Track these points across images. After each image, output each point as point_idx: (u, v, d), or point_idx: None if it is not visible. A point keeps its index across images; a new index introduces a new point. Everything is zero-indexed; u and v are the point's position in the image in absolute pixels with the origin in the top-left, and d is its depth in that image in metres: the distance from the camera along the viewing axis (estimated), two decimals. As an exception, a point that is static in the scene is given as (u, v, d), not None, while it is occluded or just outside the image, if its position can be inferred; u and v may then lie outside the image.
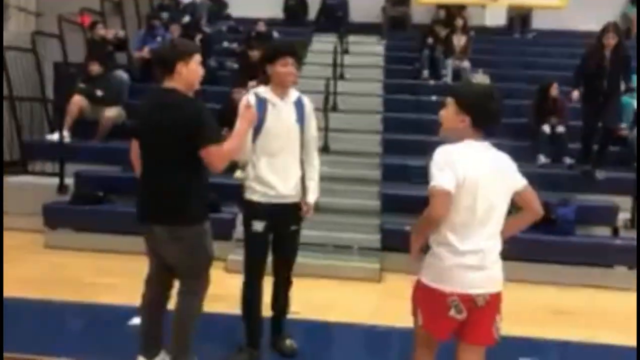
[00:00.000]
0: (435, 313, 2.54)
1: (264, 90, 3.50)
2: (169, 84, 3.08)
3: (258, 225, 3.48)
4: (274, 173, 3.45)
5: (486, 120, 2.59)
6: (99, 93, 7.47)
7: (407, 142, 7.40)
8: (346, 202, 6.25)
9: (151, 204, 3.14)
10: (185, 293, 3.22)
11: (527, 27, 11.63)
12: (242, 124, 3.21)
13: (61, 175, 6.60)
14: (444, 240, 2.49)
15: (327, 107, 7.38)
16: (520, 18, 11.56)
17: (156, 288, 3.33)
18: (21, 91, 7.83)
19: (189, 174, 3.05)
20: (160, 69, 3.14)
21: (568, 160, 6.95)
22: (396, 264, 5.55)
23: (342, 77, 8.92)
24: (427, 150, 7.85)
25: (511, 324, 4.28)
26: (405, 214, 6.07)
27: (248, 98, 3.44)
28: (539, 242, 5.60)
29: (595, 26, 11.02)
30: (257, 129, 3.40)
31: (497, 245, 2.55)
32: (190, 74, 3.08)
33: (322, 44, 10.29)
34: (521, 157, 6.89)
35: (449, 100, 2.64)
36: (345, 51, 9.91)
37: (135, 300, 4.43)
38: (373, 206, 6.28)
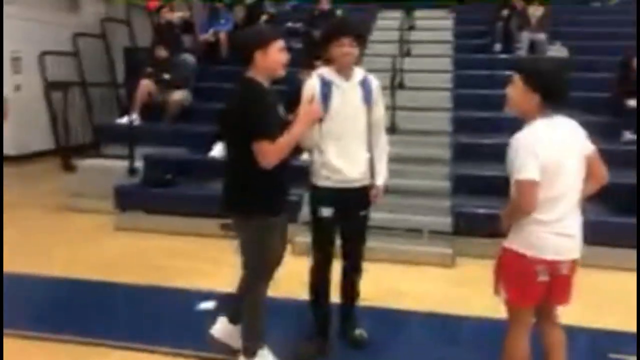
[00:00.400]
0: (523, 280, 2.62)
1: (327, 72, 3.36)
2: (248, 72, 3.02)
3: (325, 211, 3.36)
4: (341, 157, 3.31)
5: (557, 98, 2.58)
6: (166, 77, 7.54)
7: (479, 120, 7.07)
8: (415, 183, 6.01)
9: (224, 191, 3.16)
10: (248, 282, 3.17)
11: (608, -6, 10.88)
12: (300, 124, 3.04)
13: (131, 158, 6.71)
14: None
15: (394, 85, 7.11)
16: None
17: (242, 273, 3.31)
18: (92, 76, 8.02)
19: (249, 166, 2.94)
20: (240, 57, 3.09)
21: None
22: (469, 249, 5.31)
23: (408, 53, 8.62)
24: (500, 127, 7.38)
25: (605, 315, 4.02)
26: (478, 195, 5.80)
27: (312, 84, 3.31)
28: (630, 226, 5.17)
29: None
30: (323, 113, 3.26)
31: (578, 214, 2.65)
32: (268, 62, 2.99)
33: (389, 21, 9.99)
34: (604, 133, 6.49)
35: (516, 77, 2.61)
36: (412, 27, 9.58)
37: (204, 283, 4.46)
38: (444, 187, 6.02)
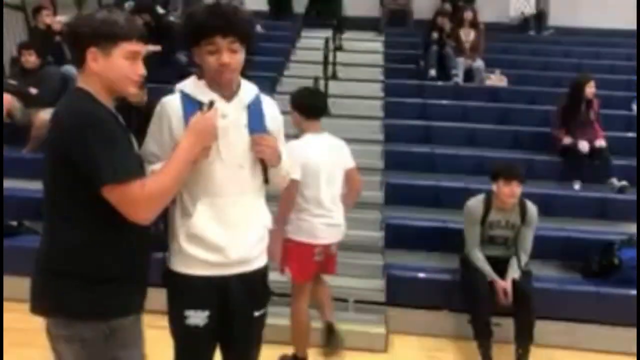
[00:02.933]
0: (305, 263, 3.32)
1: (195, 86, 2.08)
2: (80, 80, 1.93)
3: (196, 317, 2.06)
4: (220, 223, 2.04)
5: (309, 111, 3.36)
6: (33, 91, 6.02)
7: (413, 155, 6.00)
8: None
9: (34, 271, 1.93)
10: None
11: (543, 23, 10.35)
12: (190, 137, 1.92)
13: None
14: (303, 209, 3.28)
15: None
16: (535, 13, 10.32)
17: None
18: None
19: (77, 230, 1.85)
20: (71, 52, 1.92)
21: (616, 182, 5.53)
22: (404, 323, 4.14)
23: (334, 76, 7.56)
24: (436, 164, 6.34)
25: None
26: (413, 248, 4.72)
27: (170, 104, 2.05)
28: (602, 296, 4.16)
29: (612, 24, 10.04)
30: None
31: (340, 208, 3.41)
32: (108, 70, 1.87)
33: (312, 40, 8.95)
34: (552, 176, 5.58)
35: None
36: (339, 48, 8.56)
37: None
38: (376, 237, 4.83)
